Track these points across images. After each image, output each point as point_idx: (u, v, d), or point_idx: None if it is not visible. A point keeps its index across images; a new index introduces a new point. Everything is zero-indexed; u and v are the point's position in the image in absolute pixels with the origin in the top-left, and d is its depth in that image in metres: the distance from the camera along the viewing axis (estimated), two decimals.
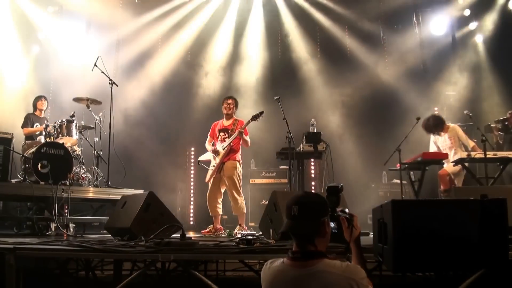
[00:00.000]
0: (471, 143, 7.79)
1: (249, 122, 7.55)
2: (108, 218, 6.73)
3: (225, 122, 7.80)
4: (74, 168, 7.87)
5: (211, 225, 7.59)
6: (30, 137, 8.33)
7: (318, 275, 2.43)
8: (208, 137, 7.92)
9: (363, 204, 9.69)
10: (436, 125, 7.99)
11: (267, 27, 12.37)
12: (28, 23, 11.53)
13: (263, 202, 8.96)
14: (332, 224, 2.76)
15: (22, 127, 8.44)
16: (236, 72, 11.97)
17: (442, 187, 7.76)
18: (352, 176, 10.15)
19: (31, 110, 8.77)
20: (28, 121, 8.47)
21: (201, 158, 7.94)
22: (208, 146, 7.83)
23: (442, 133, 8.00)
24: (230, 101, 7.80)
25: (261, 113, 7.57)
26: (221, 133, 7.70)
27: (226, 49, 12.38)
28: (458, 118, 8.50)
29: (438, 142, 8.13)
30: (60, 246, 4.60)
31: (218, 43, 12.32)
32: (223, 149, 7.49)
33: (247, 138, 7.61)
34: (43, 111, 8.90)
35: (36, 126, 8.38)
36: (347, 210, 2.91)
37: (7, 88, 11.12)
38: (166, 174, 11.10)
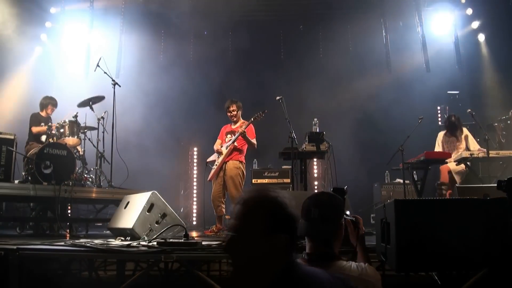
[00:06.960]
0: (476, 147, 7.78)
1: (251, 122, 7.55)
2: (111, 218, 6.73)
3: (233, 125, 7.81)
4: (77, 168, 7.86)
5: (214, 225, 7.59)
6: (37, 137, 8.27)
7: None
8: (218, 140, 7.91)
9: (366, 203, 9.71)
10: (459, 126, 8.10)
11: (269, 27, 12.37)
12: (31, 23, 11.54)
13: None
14: None
15: (31, 126, 8.38)
16: (238, 72, 11.95)
17: (440, 179, 7.76)
18: (355, 175, 10.13)
19: (34, 111, 8.71)
20: (37, 120, 8.42)
21: (209, 159, 7.92)
22: (215, 147, 7.84)
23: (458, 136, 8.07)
24: (232, 108, 7.71)
25: (263, 111, 7.57)
26: (228, 135, 7.70)
27: (228, 49, 12.38)
28: (461, 117, 8.49)
29: (444, 142, 8.13)
30: (63, 247, 4.60)
31: (220, 43, 12.31)
32: (226, 149, 7.50)
33: (253, 140, 7.58)
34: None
35: (42, 125, 8.34)
36: (348, 213, 2.89)
37: (9, 89, 11.14)
38: (169, 174, 11.11)
